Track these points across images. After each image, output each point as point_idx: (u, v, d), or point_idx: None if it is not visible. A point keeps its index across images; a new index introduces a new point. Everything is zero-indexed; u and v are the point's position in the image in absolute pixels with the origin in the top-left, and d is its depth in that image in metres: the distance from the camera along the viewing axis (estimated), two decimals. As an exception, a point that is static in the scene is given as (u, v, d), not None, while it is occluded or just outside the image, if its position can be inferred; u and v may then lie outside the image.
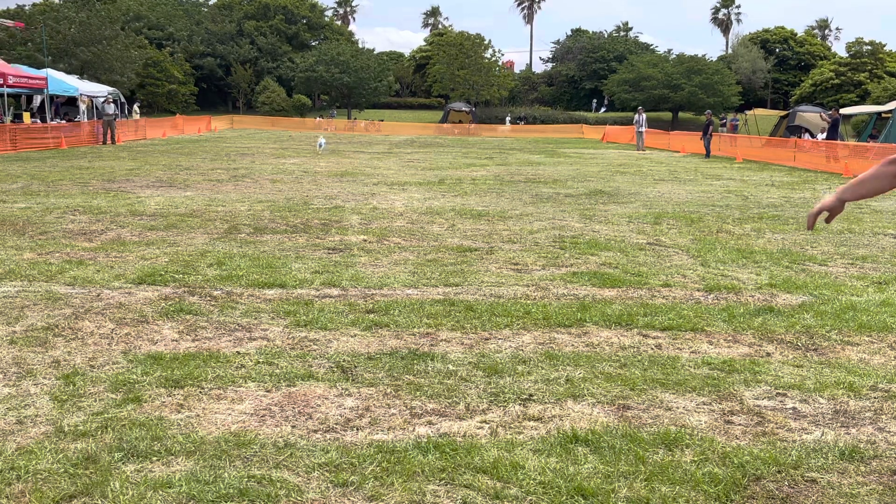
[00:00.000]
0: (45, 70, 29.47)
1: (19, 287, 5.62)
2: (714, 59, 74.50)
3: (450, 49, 69.78)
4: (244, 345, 4.38)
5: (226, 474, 2.82)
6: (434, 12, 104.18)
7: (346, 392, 3.69)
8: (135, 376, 3.82)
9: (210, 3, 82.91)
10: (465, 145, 32.53)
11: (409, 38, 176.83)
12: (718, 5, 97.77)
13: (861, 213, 10.83)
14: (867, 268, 6.96)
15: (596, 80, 75.99)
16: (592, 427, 3.30)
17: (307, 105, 70.13)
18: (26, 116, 27.59)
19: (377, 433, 3.23)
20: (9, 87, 24.31)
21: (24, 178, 13.99)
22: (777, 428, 3.37)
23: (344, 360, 4.13)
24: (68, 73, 36.29)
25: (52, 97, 28.88)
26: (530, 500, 2.70)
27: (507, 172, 17.70)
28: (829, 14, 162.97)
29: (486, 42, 70.38)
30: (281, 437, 3.17)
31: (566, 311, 5.14)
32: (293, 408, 3.49)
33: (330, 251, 7.27)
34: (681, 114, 67.13)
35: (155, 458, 2.94)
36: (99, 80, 40.05)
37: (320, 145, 24.92)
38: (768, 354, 4.40)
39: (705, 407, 3.59)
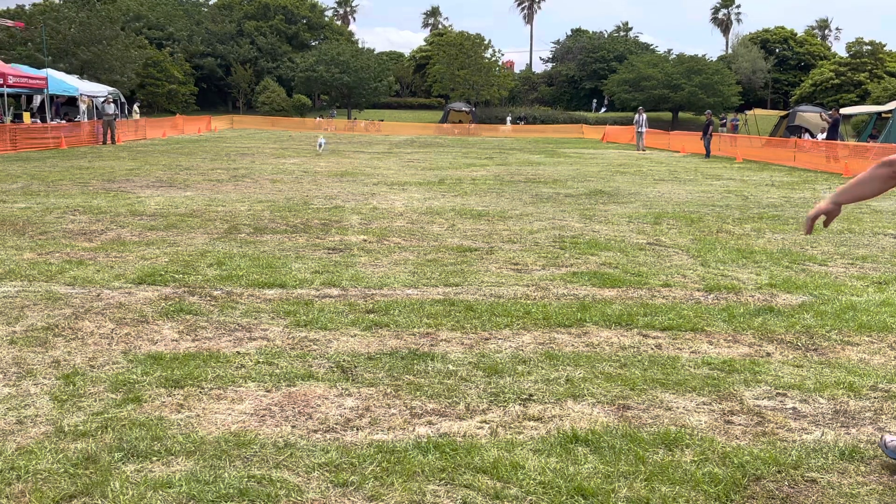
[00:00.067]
0: (45, 70, 29.48)
1: (19, 287, 5.63)
2: (714, 59, 74.58)
3: (450, 49, 69.79)
4: (244, 345, 4.38)
5: (226, 474, 2.82)
6: (434, 12, 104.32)
7: (346, 392, 3.69)
8: (135, 376, 3.82)
9: (210, 3, 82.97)
10: (465, 145, 32.53)
11: (409, 38, 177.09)
12: (718, 5, 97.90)
13: (861, 213, 10.83)
14: (867, 268, 6.96)
15: (596, 80, 76.02)
16: (592, 427, 3.30)
17: (307, 105, 70.14)
18: (26, 116, 27.59)
19: (377, 433, 3.23)
20: (9, 87, 24.32)
21: (24, 178, 13.99)
22: (777, 428, 3.37)
23: (344, 360, 4.13)
24: (68, 73, 36.28)
25: (52, 97, 28.88)
26: (530, 500, 2.70)
27: (507, 172, 17.70)
28: (829, 14, 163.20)
29: (486, 42, 70.45)
30: (281, 437, 3.17)
31: (566, 311, 5.14)
32: (293, 408, 3.49)
33: (330, 251, 7.27)
34: (681, 114, 67.15)
35: (155, 458, 2.94)
36: (99, 80, 40.05)
37: (320, 145, 24.90)
38: (768, 354, 4.40)
39: (705, 407, 3.59)
